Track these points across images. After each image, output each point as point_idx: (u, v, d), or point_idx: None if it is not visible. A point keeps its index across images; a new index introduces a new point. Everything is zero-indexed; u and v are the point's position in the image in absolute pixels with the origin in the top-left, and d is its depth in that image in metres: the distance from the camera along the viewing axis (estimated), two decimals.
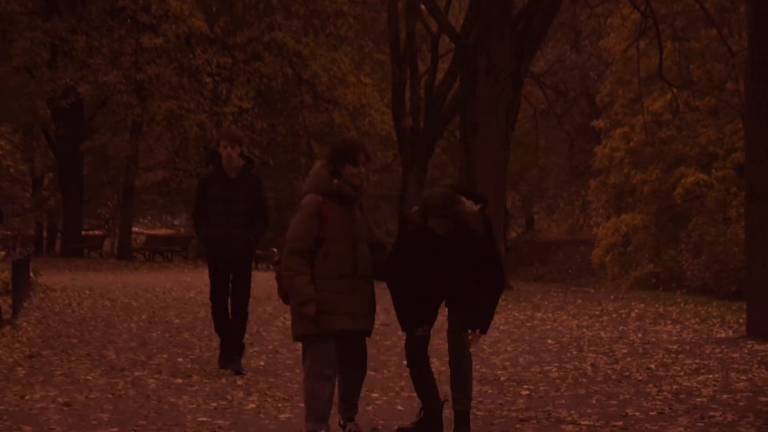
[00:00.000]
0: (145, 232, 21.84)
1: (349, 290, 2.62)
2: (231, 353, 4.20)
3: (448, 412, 2.80)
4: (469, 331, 2.63)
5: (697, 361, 4.45)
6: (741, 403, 3.35)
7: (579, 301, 7.90)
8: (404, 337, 2.77)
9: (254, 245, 4.23)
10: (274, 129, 15.67)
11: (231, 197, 4.12)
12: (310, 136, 15.45)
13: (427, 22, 13.77)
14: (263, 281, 9.75)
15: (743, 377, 3.96)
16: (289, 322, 5.94)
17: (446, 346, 2.77)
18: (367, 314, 2.67)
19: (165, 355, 4.74)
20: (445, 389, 2.88)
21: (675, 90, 12.40)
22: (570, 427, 2.99)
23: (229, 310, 4.25)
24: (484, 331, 2.67)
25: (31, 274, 7.68)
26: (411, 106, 13.36)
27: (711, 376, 4.00)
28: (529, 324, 6.19)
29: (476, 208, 2.63)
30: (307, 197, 2.65)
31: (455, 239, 2.61)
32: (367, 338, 2.73)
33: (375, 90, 15.51)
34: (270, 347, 5.09)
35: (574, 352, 4.83)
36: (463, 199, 2.65)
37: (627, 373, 4.11)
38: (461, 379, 2.71)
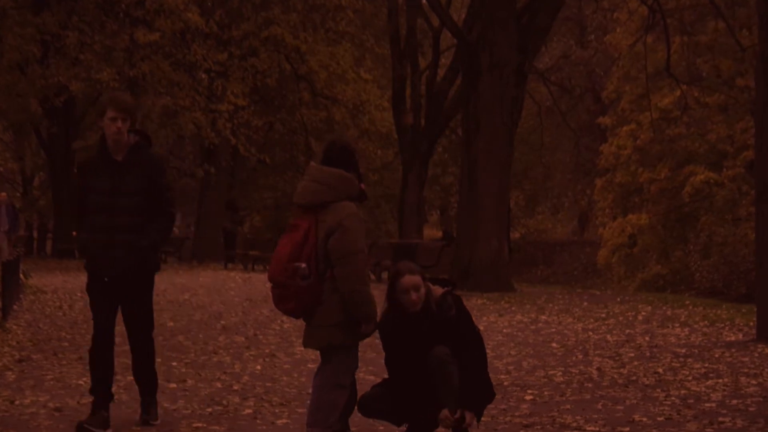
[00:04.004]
0: None
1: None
2: (142, 393, 3.07)
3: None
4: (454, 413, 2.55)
5: (706, 365, 4.38)
6: (751, 409, 3.29)
7: (584, 303, 7.79)
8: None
9: (150, 253, 2.95)
10: (272, 126, 15.53)
11: (116, 189, 2.91)
12: (309, 134, 15.31)
13: (428, 16, 13.69)
14: (259, 282, 9.57)
15: (753, 382, 3.88)
16: (286, 325, 5.98)
17: None
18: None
19: (159, 359, 4.55)
20: None
21: (684, 86, 12.19)
22: None
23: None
24: (471, 410, 2.59)
25: (21, 275, 7.59)
26: (412, 103, 13.27)
27: (720, 380, 3.93)
28: (533, 327, 6.11)
29: (440, 291, 2.61)
30: (350, 206, 2.54)
31: (428, 326, 2.59)
32: (363, 342, 2.69)
33: (375, 86, 15.39)
34: (267, 351, 5.00)
35: (580, 356, 4.77)
36: (430, 284, 2.63)
37: (634, 378, 4.05)
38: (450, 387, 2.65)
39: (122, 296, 3.00)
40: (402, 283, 2.57)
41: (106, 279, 2.96)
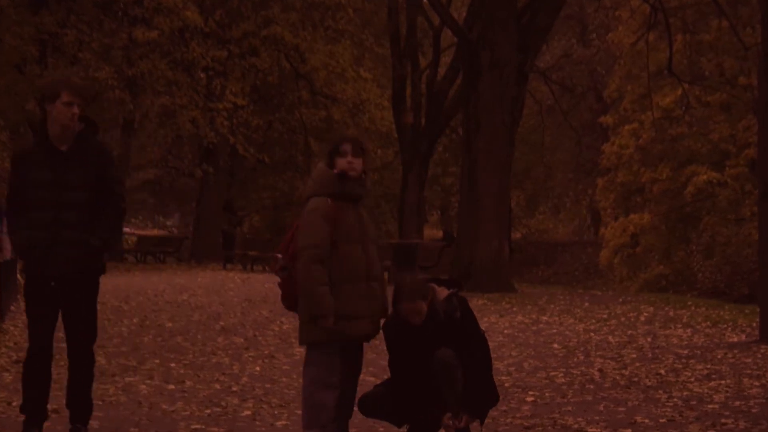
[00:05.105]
0: (137, 232, 21.50)
1: (364, 294, 2.56)
2: (72, 419, 2.72)
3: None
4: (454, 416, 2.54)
5: (709, 366, 4.37)
6: (754, 410, 3.28)
7: (586, 304, 7.77)
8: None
9: (102, 254, 2.66)
10: (271, 126, 15.42)
11: (62, 181, 2.59)
12: (308, 133, 15.21)
13: (428, 15, 13.61)
14: (258, 283, 9.51)
15: (756, 383, 3.87)
16: (285, 326, 5.96)
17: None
18: (380, 318, 2.62)
19: (157, 360, 4.65)
20: None
21: (686, 85, 12.12)
22: None
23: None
24: (473, 413, 2.57)
25: (19, 276, 7.48)
26: (412, 102, 13.22)
27: (723, 381, 3.92)
28: (534, 328, 6.09)
29: (446, 293, 2.60)
30: (315, 200, 2.58)
31: (432, 328, 2.57)
32: (367, 343, 2.67)
33: (375, 85, 15.27)
34: (266, 352, 4.99)
35: (581, 357, 4.75)
36: (434, 285, 2.62)
37: (636, 379, 4.04)
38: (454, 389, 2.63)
39: (64, 301, 2.65)
40: (401, 310, 2.56)
41: (52, 282, 2.62)
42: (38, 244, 2.62)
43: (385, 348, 2.68)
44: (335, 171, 2.56)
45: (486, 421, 2.80)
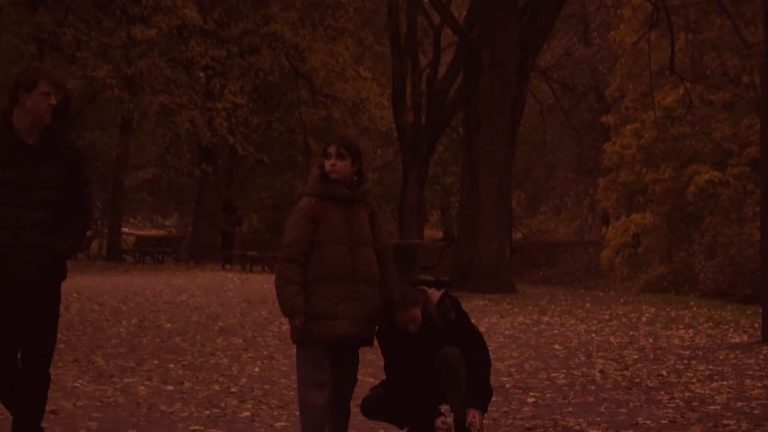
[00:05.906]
0: (135, 233, 21.36)
1: (345, 295, 2.53)
2: None
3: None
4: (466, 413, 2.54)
5: (711, 367, 4.36)
6: (756, 411, 3.27)
7: (587, 304, 7.75)
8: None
9: (68, 258, 2.44)
10: (270, 125, 15.39)
11: (29, 178, 2.34)
12: (308, 133, 15.20)
13: (429, 14, 13.60)
14: (257, 283, 9.51)
15: (758, 384, 3.86)
16: (284, 327, 5.93)
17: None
18: (366, 321, 2.58)
19: (156, 361, 4.63)
20: None
21: (688, 84, 12.10)
22: None
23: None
24: (482, 409, 2.58)
25: None
26: (412, 102, 13.21)
27: (725, 382, 3.91)
28: (535, 329, 6.08)
29: (438, 294, 2.59)
30: (302, 200, 2.62)
31: (428, 332, 2.57)
32: (355, 346, 2.63)
33: (375, 84, 15.24)
34: (265, 353, 4.98)
35: (583, 358, 4.74)
36: (425, 288, 2.62)
37: (637, 380, 4.03)
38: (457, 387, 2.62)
39: (27, 305, 2.36)
40: (398, 319, 2.54)
41: (13, 287, 2.32)
42: (2, 245, 2.33)
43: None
44: (321, 172, 2.57)
45: (487, 422, 2.79)
